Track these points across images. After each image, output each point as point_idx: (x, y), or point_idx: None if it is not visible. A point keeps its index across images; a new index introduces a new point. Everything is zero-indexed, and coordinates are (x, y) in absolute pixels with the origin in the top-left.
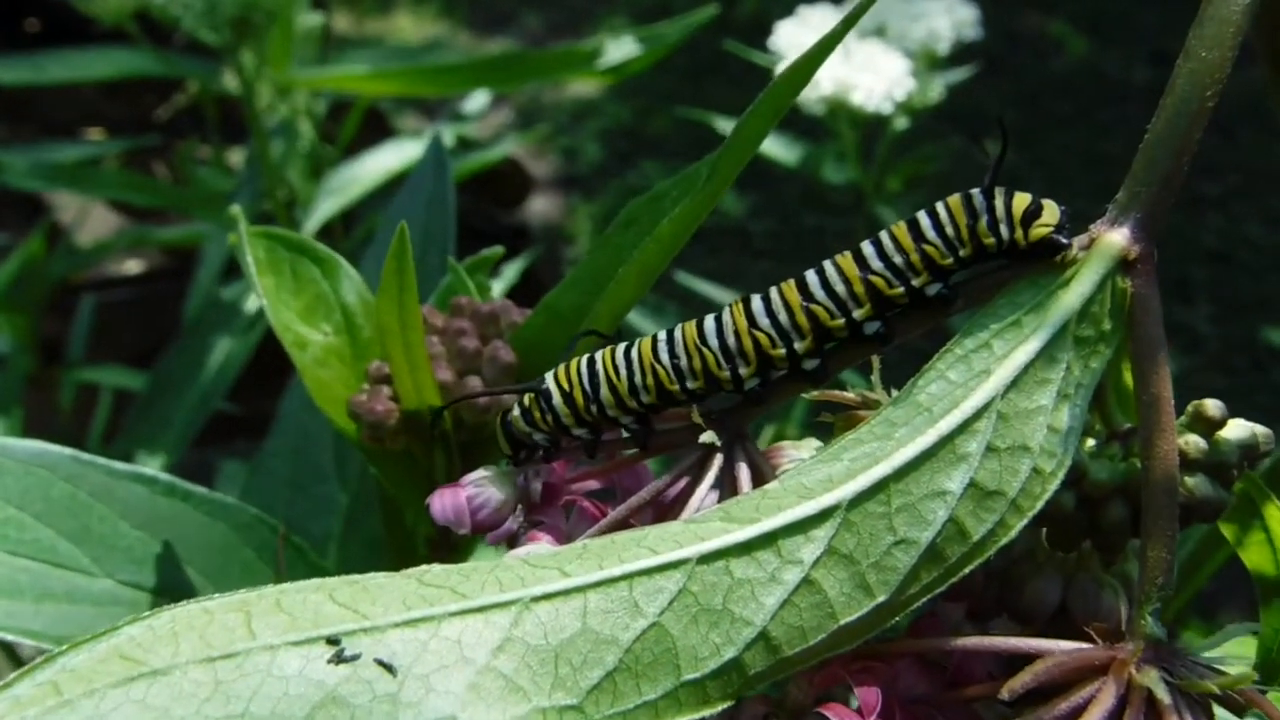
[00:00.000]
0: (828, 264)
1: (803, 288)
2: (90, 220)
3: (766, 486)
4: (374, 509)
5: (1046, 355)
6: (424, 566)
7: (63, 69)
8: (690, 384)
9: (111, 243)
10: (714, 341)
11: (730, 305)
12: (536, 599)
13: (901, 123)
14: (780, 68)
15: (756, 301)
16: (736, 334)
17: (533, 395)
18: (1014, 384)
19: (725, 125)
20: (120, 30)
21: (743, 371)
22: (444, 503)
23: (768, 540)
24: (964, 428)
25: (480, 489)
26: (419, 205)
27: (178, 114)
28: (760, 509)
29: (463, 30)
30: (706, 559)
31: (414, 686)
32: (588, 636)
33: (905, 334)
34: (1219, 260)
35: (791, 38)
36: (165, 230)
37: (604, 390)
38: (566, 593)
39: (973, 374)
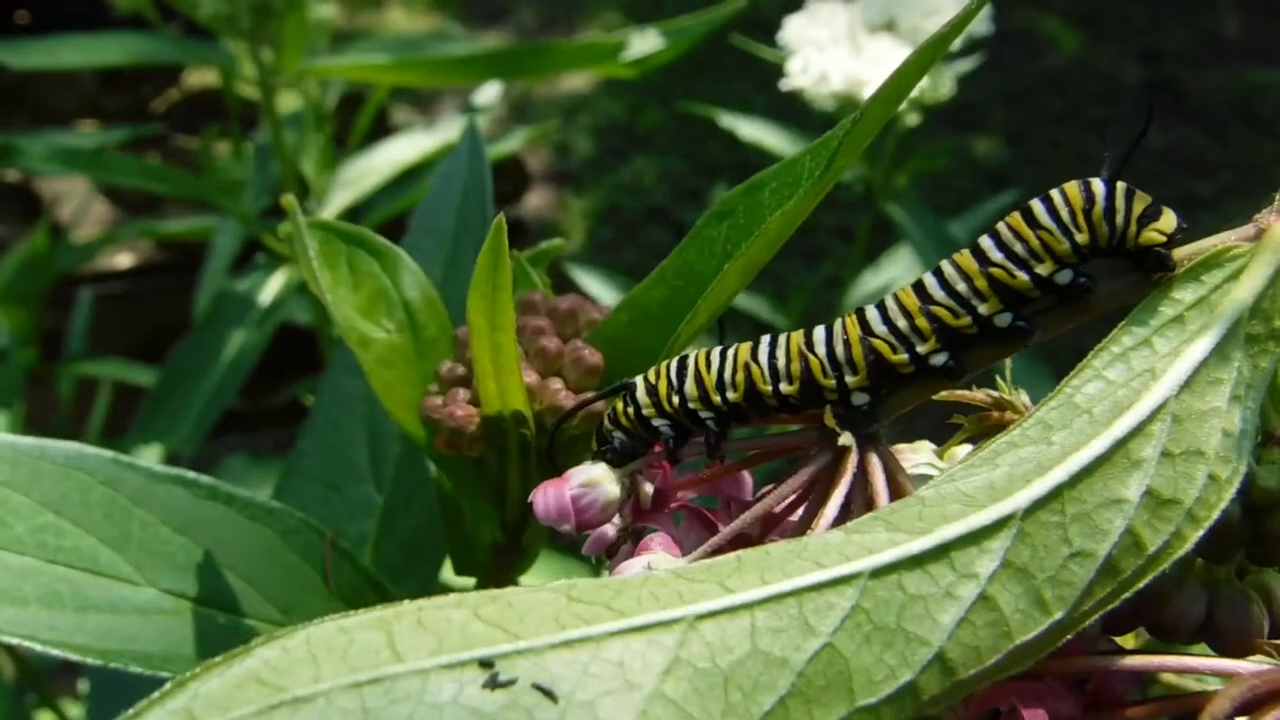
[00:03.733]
0: (945, 263)
1: (920, 290)
2: (84, 214)
3: (921, 494)
4: (411, 510)
5: (1220, 353)
6: (568, 580)
7: (76, 54)
8: (784, 387)
9: (114, 235)
10: (821, 349)
11: (843, 317)
12: (701, 617)
13: (912, 119)
14: (791, 63)
15: (872, 310)
16: (847, 342)
17: (620, 394)
18: (1187, 384)
19: (727, 120)
20: (107, 18)
21: (850, 380)
22: (548, 499)
23: (941, 553)
24: (1138, 431)
25: (586, 488)
26: (454, 194)
27: (172, 107)
28: (924, 518)
29: (455, 24)
30: (879, 573)
31: (579, 714)
32: (757, 658)
33: (1051, 331)
34: None
35: (801, 32)
36: (171, 222)
37: (689, 383)
38: (732, 610)
39: (1134, 374)
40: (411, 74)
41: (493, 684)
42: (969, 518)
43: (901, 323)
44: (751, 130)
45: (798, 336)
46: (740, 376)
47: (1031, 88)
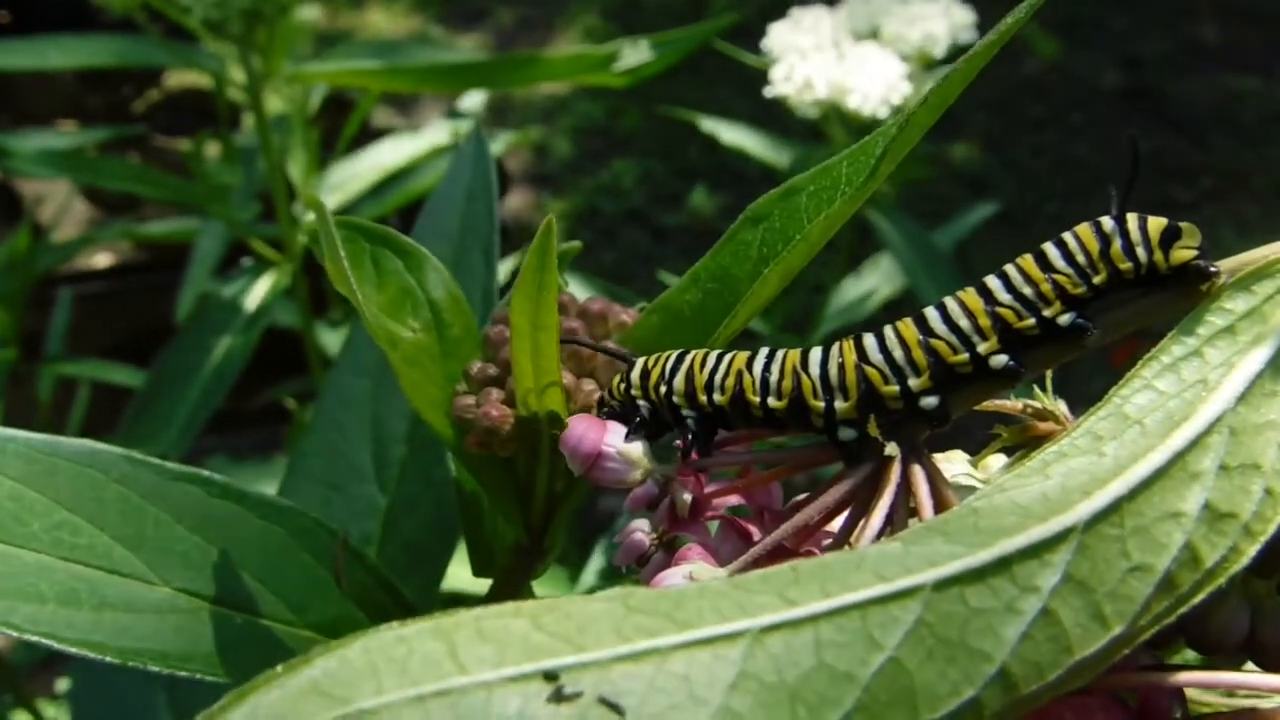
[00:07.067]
0: (949, 299)
1: (922, 323)
2: (64, 214)
3: (973, 505)
4: (415, 512)
5: (1275, 365)
6: (624, 589)
7: (62, 55)
8: (771, 401)
9: (97, 235)
10: (815, 369)
11: (841, 340)
12: (766, 630)
13: None
14: (775, 70)
15: (869, 338)
16: (841, 367)
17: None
18: (1243, 397)
19: (709, 124)
20: (86, 20)
21: (839, 406)
22: (584, 436)
23: (1002, 566)
24: (1196, 443)
25: (620, 456)
26: (459, 196)
27: (152, 107)
28: (981, 530)
29: (435, 26)
30: (941, 586)
31: None
32: (823, 672)
33: (1037, 370)
34: None
35: (785, 39)
36: (154, 225)
37: (680, 377)
38: (797, 623)
39: (1185, 385)
40: (401, 80)
41: (558, 697)
42: (1029, 530)
43: (898, 353)
44: (733, 135)
45: (794, 355)
46: (730, 381)
47: (1010, 94)
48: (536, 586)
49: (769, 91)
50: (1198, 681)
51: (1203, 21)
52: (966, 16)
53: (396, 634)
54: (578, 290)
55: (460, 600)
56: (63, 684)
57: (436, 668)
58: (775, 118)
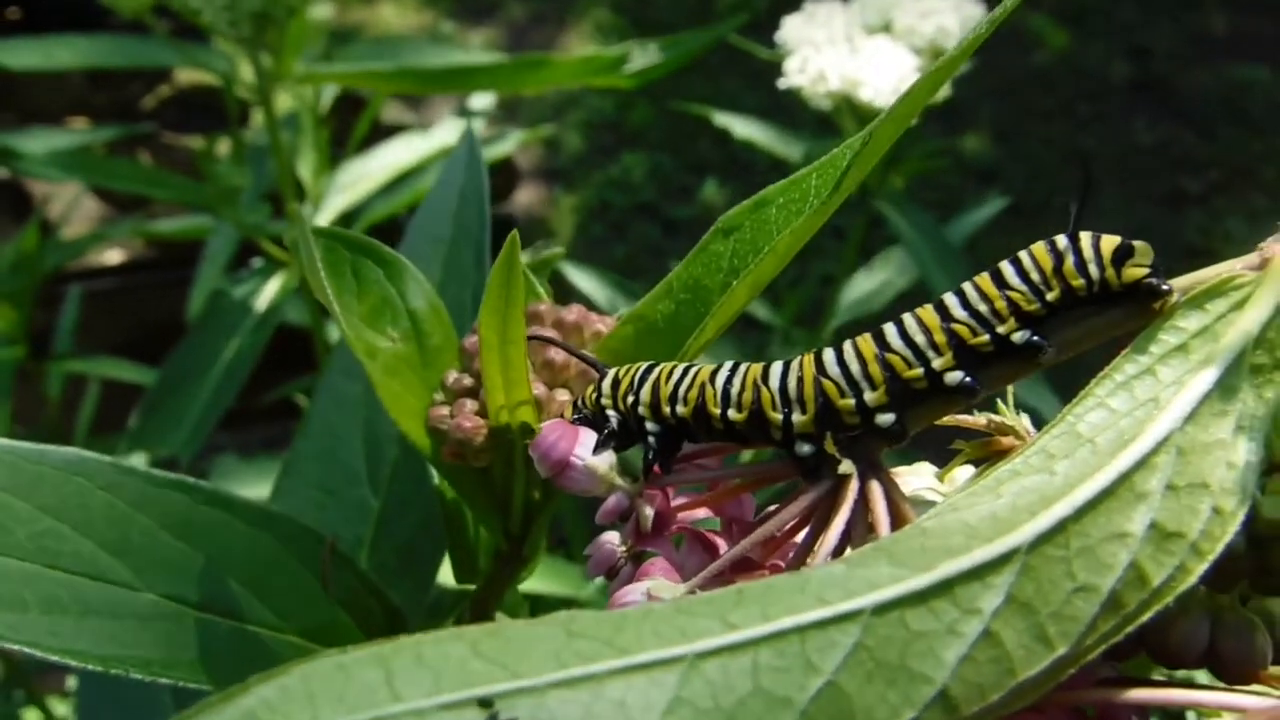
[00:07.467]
0: (907, 315)
1: (879, 339)
2: (73, 211)
3: (923, 524)
4: (407, 515)
5: (1224, 384)
6: (568, 613)
7: (71, 54)
8: (732, 414)
9: (106, 233)
10: (775, 382)
11: (803, 354)
12: (702, 655)
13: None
14: (789, 63)
15: (828, 352)
16: (800, 380)
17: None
18: (1191, 416)
19: (721, 119)
20: (94, 18)
21: (796, 419)
22: (555, 446)
23: (944, 588)
24: (1143, 463)
25: (586, 469)
26: (451, 199)
27: (162, 103)
28: (926, 550)
29: (446, 21)
30: (881, 610)
31: None
32: (760, 698)
33: (995, 386)
34: (1201, 255)
35: (798, 32)
36: (163, 222)
37: (646, 388)
38: (735, 648)
39: (1138, 403)
40: (411, 83)
41: None
42: (973, 551)
43: (854, 367)
44: (745, 129)
45: (756, 368)
46: (694, 393)
47: (1019, 85)
48: (553, 584)
49: (783, 83)
50: (1151, 700)
51: (1211, 12)
52: (977, 10)
53: (336, 661)
54: (588, 285)
55: (464, 598)
56: (73, 682)
57: (372, 695)
58: (783, 109)
